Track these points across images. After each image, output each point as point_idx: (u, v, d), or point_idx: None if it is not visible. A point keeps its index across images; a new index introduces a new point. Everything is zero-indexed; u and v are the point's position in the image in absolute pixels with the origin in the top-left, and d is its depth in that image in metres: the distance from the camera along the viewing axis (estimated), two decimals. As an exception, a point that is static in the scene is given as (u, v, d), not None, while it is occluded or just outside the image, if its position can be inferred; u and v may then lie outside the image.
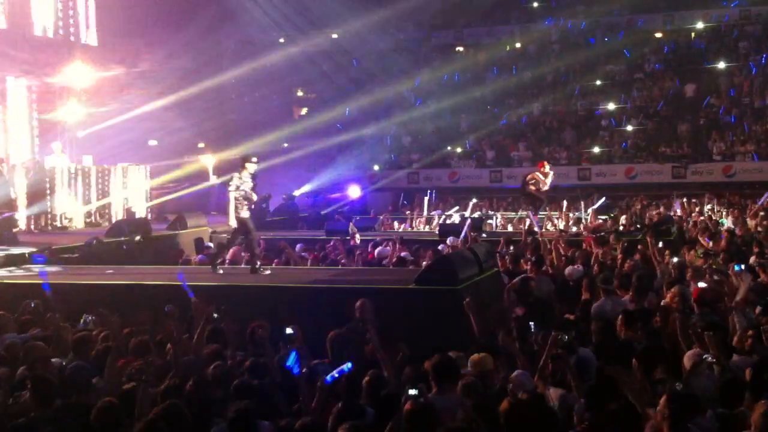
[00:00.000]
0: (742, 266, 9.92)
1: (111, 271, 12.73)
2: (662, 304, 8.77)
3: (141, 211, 21.18)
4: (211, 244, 17.05)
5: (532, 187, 17.85)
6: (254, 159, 11.87)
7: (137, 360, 6.85)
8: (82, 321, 9.00)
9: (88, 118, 23.14)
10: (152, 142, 27.35)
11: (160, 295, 9.93)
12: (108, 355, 6.92)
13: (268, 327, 7.91)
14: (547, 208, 22.43)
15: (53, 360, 7.28)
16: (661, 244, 12.36)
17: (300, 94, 37.11)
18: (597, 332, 7.80)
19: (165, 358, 7.09)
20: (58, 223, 19.00)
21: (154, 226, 17.85)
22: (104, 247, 15.23)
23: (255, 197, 12.10)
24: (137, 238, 16.05)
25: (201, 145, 28.61)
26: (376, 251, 14.81)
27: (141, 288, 10.85)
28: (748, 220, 18.38)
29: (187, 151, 26.60)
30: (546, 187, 18.29)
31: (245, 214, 11.73)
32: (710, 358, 6.31)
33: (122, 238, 15.88)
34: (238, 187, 11.56)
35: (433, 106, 36.03)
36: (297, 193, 26.61)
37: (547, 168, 18.19)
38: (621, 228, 17.58)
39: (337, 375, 5.79)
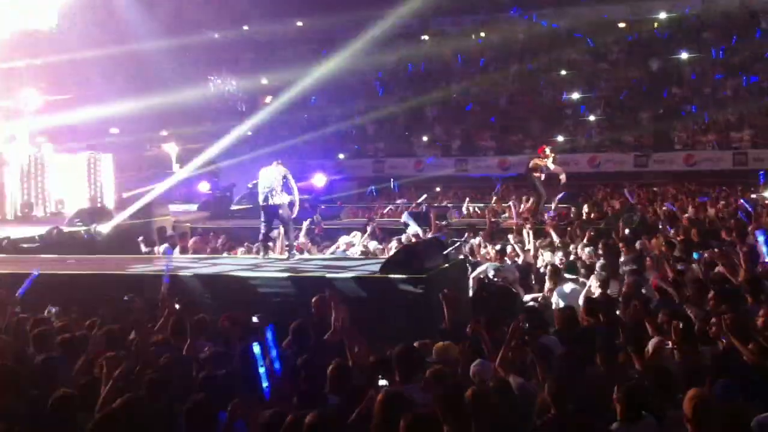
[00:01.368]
0: (704, 254, 10.07)
1: (72, 260, 12.54)
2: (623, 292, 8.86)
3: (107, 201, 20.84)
4: (174, 233, 16.94)
5: (537, 174, 17.70)
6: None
7: (106, 351, 6.77)
8: (45, 312, 8.87)
9: (47, 105, 22.68)
10: (114, 130, 26.94)
11: (123, 285, 9.82)
12: (71, 346, 6.84)
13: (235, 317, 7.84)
14: (513, 197, 22.54)
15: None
16: (627, 232, 12.51)
17: (264, 82, 36.79)
18: (559, 320, 7.84)
19: (129, 349, 7.00)
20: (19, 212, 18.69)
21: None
22: (65, 237, 15.01)
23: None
24: (99, 227, 15.85)
25: (164, 133, 28.26)
26: (341, 240, 14.77)
27: (103, 278, 10.72)
28: (708, 208, 18.62)
29: (149, 139, 26.27)
30: (552, 169, 17.97)
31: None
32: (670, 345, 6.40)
33: (84, 228, 15.67)
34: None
35: (399, 96, 36.03)
36: (250, 185, 25.48)
37: (548, 150, 18.01)
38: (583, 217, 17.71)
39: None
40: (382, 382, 5.85)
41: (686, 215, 16.61)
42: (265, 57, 36.78)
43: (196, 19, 31.12)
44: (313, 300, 8.22)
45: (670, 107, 32.77)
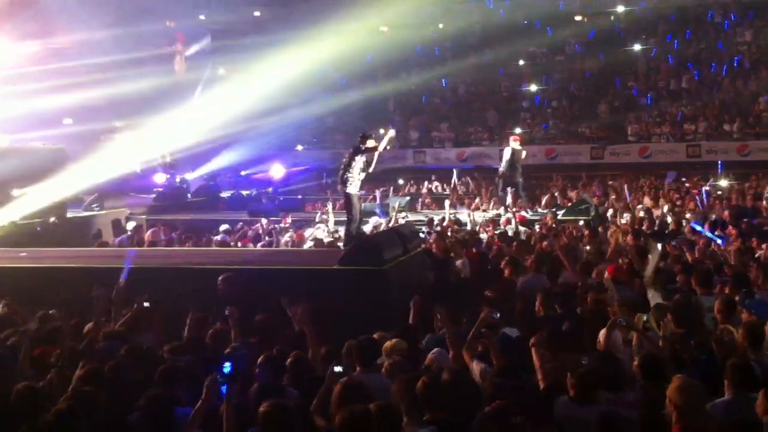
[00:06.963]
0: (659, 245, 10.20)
1: (24, 254, 12.26)
2: (589, 281, 8.94)
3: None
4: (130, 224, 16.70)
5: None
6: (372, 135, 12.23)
7: (53, 347, 6.66)
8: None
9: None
10: (67, 121, 26.36)
11: (77, 279, 9.64)
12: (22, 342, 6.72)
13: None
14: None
15: None
16: (582, 223, 12.67)
17: (222, 72, 36.38)
18: (521, 310, 7.92)
19: (80, 343, 6.88)
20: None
21: (70, 207, 17.28)
22: (18, 229, 14.70)
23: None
24: (52, 219, 15.53)
25: (118, 123, 27.75)
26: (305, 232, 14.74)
27: (56, 271, 10.49)
28: (660, 200, 18.92)
29: (103, 130, 25.78)
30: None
31: (352, 189, 11.93)
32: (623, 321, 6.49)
33: (37, 220, 15.35)
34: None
35: (358, 86, 35.93)
36: (190, 176, 25.00)
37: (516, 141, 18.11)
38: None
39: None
40: (338, 369, 5.86)
41: (639, 207, 16.87)
42: (223, 46, 36.35)
43: (152, 6, 30.63)
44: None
45: (625, 99, 33.20)
